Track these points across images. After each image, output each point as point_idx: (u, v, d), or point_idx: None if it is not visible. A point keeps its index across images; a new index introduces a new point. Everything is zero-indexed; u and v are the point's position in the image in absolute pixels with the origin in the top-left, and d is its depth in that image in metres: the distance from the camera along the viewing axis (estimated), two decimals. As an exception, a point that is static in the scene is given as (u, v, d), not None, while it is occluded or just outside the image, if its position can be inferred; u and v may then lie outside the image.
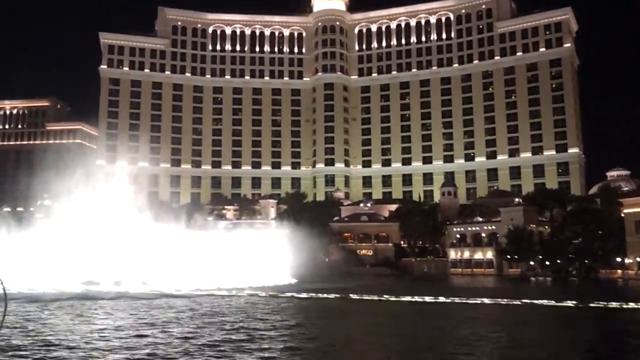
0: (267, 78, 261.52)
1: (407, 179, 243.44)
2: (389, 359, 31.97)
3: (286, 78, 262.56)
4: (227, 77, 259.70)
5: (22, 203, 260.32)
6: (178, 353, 31.48)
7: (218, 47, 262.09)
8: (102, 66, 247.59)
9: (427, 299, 71.10)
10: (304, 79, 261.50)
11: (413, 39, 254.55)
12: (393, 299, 73.18)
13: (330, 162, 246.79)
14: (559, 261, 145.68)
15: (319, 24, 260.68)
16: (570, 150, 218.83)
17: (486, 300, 68.23)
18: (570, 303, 63.81)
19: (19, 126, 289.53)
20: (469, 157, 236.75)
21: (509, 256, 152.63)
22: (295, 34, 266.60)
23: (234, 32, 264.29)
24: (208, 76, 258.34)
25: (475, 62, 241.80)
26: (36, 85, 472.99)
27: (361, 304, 69.25)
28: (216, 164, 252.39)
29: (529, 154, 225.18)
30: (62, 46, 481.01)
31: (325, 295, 77.70)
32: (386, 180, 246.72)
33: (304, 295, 78.68)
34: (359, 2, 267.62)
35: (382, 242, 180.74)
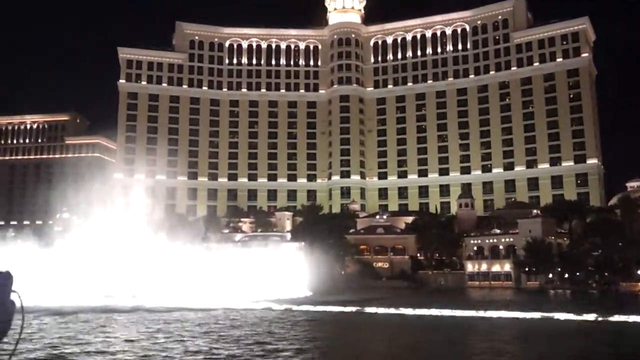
0: (283, 91, 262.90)
1: (423, 191, 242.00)
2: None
3: (302, 91, 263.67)
4: (244, 90, 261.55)
5: (42, 216, 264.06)
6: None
7: (235, 61, 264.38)
8: (120, 80, 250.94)
9: (445, 312, 70.37)
10: (320, 91, 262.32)
11: (429, 50, 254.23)
12: (410, 312, 72.53)
13: (346, 174, 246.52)
14: (578, 273, 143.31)
15: (335, 36, 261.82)
16: (589, 161, 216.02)
17: (504, 314, 67.31)
18: (590, 317, 62.75)
19: (39, 140, 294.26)
20: (486, 169, 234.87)
21: (527, 269, 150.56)
22: (311, 47, 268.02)
23: (250, 46, 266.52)
24: (225, 89, 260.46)
25: (492, 72, 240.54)
26: (56, 99, 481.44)
27: (377, 317, 68.74)
28: (232, 177, 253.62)
29: (547, 165, 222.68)
30: (82, 61, 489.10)
31: (340, 309, 77.33)
32: (402, 192, 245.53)
33: (319, 308, 78.36)
34: (374, 15, 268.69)
35: (398, 255, 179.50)
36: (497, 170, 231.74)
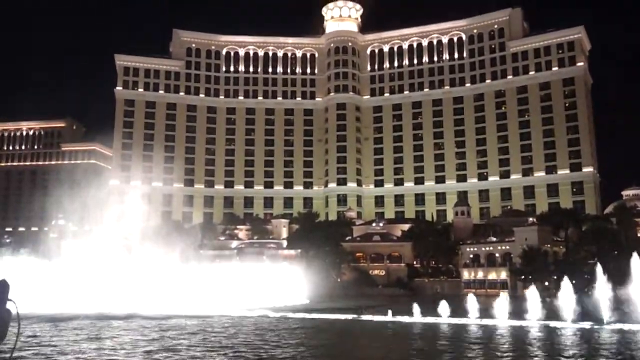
0: (280, 98, 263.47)
1: (419, 199, 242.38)
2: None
3: (299, 98, 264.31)
4: (241, 97, 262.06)
5: (37, 223, 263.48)
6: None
7: (232, 69, 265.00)
8: (117, 87, 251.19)
9: (442, 319, 70.40)
10: (317, 99, 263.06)
11: (425, 59, 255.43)
12: (405, 319, 72.52)
13: (342, 182, 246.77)
14: (574, 282, 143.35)
15: (332, 45, 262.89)
16: (585, 169, 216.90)
17: (499, 321, 67.40)
18: (587, 324, 62.89)
19: (35, 147, 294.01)
20: (482, 177, 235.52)
21: (523, 276, 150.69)
22: (308, 55, 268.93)
23: (247, 54, 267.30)
24: (222, 97, 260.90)
25: (488, 81, 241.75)
26: (52, 106, 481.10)
27: (372, 324, 68.73)
28: (229, 184, 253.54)
29: (542, 173, 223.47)
30: (79, 68, 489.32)
31: (337, 316, 77.25)
32: (399, 199, 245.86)
33: (315, 315, 78.26)
34: (371, 23, 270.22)
35: (394, 262, 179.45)
36: (493, 178, 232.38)
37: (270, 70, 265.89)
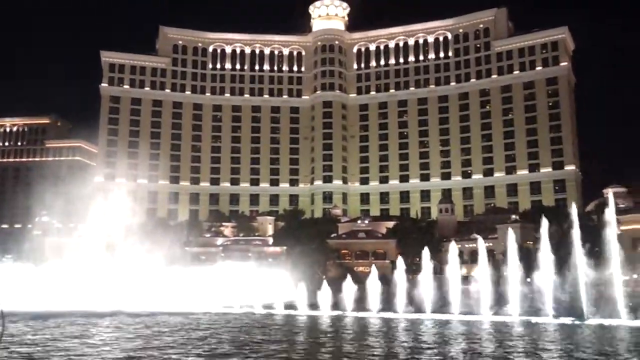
0: (266, 96, 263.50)
1: (404, 196, 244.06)
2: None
3: (285, 96, 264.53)
4: (227, 95, 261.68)
5: (21, 220, 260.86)
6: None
7: (218, 66, 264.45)
8: (103, 84, 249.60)
9: (424, 315, 71.61)
10: (303, 97, 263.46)
11: (411, 57, 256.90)
12: (387, 315, 73.65)
13: (328, 179, 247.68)
14: (555, 278, 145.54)
15: (318, 43, 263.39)
16: (567, 168, 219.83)
17: (481, 317, 68.68)
18: (568, 320, 64.39)
19: (19, 143, 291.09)
20: (466, 175, 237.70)
21: (506, 273, 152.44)
22: (295, 53, 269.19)
23: (234, 51, 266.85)
24: (208, 94, 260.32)
25: (473, 80, 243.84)
26: (37, 102, 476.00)
27: (356, 321, 69.59)
28: (215, 181, 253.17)
29: (525, 171, 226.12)
30: (64, 64, 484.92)
31: (321, 313, 78.14)
32: (384, 197, 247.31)
33: (300, 312, 79.08)
34: (358, 22, 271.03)
35: (379, 259, 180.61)
36: (477, 176, 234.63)
37: (256, 67, 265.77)
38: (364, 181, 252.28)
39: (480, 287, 79.96)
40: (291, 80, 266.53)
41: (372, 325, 61.09)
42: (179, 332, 50.75)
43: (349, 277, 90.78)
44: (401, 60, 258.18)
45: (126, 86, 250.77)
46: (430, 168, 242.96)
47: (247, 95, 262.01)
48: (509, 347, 42.35)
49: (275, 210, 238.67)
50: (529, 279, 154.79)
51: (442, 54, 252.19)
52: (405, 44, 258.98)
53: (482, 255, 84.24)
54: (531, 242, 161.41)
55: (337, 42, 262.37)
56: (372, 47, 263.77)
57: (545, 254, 75.79)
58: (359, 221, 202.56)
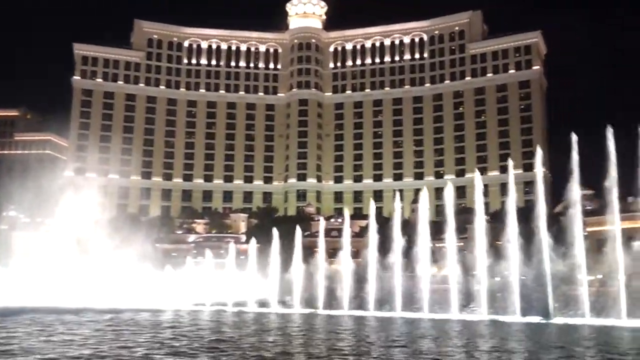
0: (242, 93, 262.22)
1: (378, 195, 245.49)
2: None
3: (261, 93, 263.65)
4: (202, 90, 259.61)
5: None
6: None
7: (193, 61, 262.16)
8: (75, 77, 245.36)
9: (395, 314, 72.24)
10: (279, 94, 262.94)
11: (387, 58, 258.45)
12: (357, 313, 74.11)
13: (302, 177, 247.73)
14: (523, 277, 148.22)
15: (295, 40, 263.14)
16: (537, 169, 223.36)
17: (450, 315, 69.57)
18: (535, 319, 65.67)
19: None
20: (439, 175, 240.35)
21: (475, 272, 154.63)
22: (271, 50, 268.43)
23: (210, 47, 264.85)
24: (182, 89, 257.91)
25: (447, 82, 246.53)
26: (6, 94, 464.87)
27: (327, 319, 69.84)
28: (187, 177, 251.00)
29: (497, 173, 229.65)
30: (35, 55, 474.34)
31: (291, 311, 78.22)
32: (357, 195, 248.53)
33: (272, 310, 79.03)
34: (335, 21, 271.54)
35: (352, 258, 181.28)
36: (449, 177, 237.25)
37: (232, 64, 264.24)
38: (338, 180, 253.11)
39: (450, 286, 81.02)
40: (267, 77, 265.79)
41: (336, 324, 61.31)
42: (147, 330, 50.27)
43: (321, 274, 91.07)
44: (377, 60, 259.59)
45: (99, 79, 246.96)
46: (403, 168, 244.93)
47: (222, 92, 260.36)
48: (455, 345, 42.88)
49: (248, 207, 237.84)
50: (498, 279, 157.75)
51: (417, 55, 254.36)
52: (382, 44, 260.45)
53: (452, 255, 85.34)
54: (500, 242, 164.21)
55: (313, 41, 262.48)
56: (349, 46, 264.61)
57: (513, 254, 77.12)
58: (332, 219, 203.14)
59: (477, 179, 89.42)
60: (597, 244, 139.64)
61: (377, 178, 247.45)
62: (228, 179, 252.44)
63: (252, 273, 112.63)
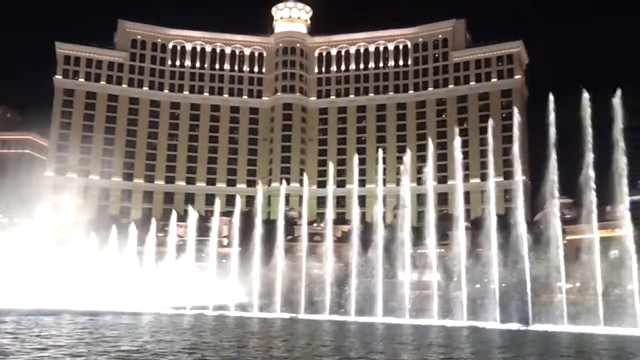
0: (226, 96, 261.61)
1: (360, 201, 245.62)
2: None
3: (245, 96, 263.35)
4: (186, 92, 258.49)
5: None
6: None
7: (177, 63, 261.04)
8: (56, 76, 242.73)
9: (376, 319, 72.53)
10: (263, 98, 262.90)
11: (371, 64, 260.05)
12: (338, 318, 74.23)
13: (285, 181, 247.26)
14: (503, 284, 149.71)
15: (280, 44, 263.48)
16: (517, 178, 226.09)
17: (429, 321, 70.07)
18: (514, 325, 66.34)
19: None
20: (421, 181, 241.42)
21: (456, 278, 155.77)
22: (256, 54, 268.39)
23: (194, 49, 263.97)
24: (166, 91, 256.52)
25: (430, 89, 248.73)
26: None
27: (309, 323, 69.90)
28: (170, 180, 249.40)
29: (478, 180, 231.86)
30: (16, 54, 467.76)
31: (275, 315, 78.10)
32: (340, 201, 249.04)
33: (253, 314, 78.80)
34: (320, 26, 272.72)
35: (334, 263, 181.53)
36: (432, 183, 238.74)
37: (217, 66, 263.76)
38: (322, 184, 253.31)
39: (431, 292, 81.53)
40: (251, 80, 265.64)
41: (316, 330, 61.37)
42: (127, 334, 49.87)
43: (302, 279, 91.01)
44: (362, 66, 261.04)
45: (81, 79, 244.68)
46: (386, 173, 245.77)
47: (206, 94, 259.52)
48: (427, 352, 43.27)
49: (231, 210, 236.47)
50: (478, 285, 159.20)
51: (401, 62, 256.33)
52: (366, 50, 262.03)
53: (434, 261, 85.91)
54: (481, 249, 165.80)
55: (298, 45, 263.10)
56: (334, 51, 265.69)
57: (493, 261, 77.92)
58: (315, 224, 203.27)
59: (458, 186, 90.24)
60: (575, 252, 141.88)
61: (361, 183, 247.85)
62: (211, 182, 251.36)
63: (234, 276, 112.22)
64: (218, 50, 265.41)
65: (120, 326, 54.92)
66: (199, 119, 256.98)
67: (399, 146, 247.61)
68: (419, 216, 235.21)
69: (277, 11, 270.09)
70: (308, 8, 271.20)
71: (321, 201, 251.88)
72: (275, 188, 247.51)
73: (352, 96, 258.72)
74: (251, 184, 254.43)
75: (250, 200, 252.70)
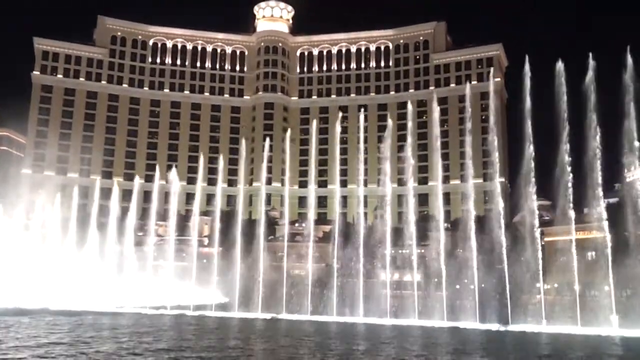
0: (207, 94, 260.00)
1: (342, 201, 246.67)
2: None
3: (226, 95, 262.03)
4: (166, 90, 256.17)
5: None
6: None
7: (158, 60, 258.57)
8: (34, 72, 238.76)
9: (357, 319, 72.91)
10: (245, 97, 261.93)
11: (353, 64, 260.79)
12: (319, 319, 74.53)
13: (267, 181, 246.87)
14: (483, 285, 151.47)
15: (262, 43, 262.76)
16: (497, 179, 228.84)
17: (410, 321, 70.75)
18: (493, 326, 67.37)
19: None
20: (402, 182, 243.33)
21: (436, 279, 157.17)
22: (238, 52, 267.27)
23: (175, 46, 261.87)
24: (146, 88, 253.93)
25: (411, 91, 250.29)
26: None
27: (289, 324, 70.08)
28: (149, 178, 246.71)
29: (458, 181, 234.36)
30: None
31: (256, 315, 78.06)
32: (322, 201, 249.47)
33: (234, 314, 78.67)
34: (302, 26, 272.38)
35: (315, 263, 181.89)
36: (412, 184, 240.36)
37: (198, 64, 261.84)
38: (303, 184, 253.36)
39: (411, 292, 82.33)
40: (233, 79, 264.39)
41: (295, 330, 61.61)
42: (106, 334, 49.54)
43: (285, 279, 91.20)
44: (343, 66, 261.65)
45: (60, 75, 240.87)
46: (368, 174, 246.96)
47: (187, 92, 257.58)
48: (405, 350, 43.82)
49: (211, 210, 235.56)
50: (457, 286, 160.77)
51: (382, 63, 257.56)
52: (348, 50, 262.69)
53: (414, 262, 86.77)
54: (460, 250, 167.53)
55: (280, 45, 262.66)
56: (315, 51, 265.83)
57: (472, 262, 79.00)
58: (296, 224, 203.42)
59: (438, 187, 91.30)
60: (553, 254, 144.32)
61: (342, 184, 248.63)
62: (191, 181, 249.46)
63: (214, 276, 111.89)
64: (199, 48, 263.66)
65: (100, 326, 54.48)
66: (180, 117, 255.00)
67: (379, 147, 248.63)
68: (400, 216, 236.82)
69: (259, 10, 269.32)
70: (290, 7, 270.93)
71: (302, 201, 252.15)
72: (257, 187, 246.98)
73: (333, 96, 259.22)
74: (232, 183, 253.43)
75: (231, 200, 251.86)
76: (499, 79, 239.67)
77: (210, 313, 79.17)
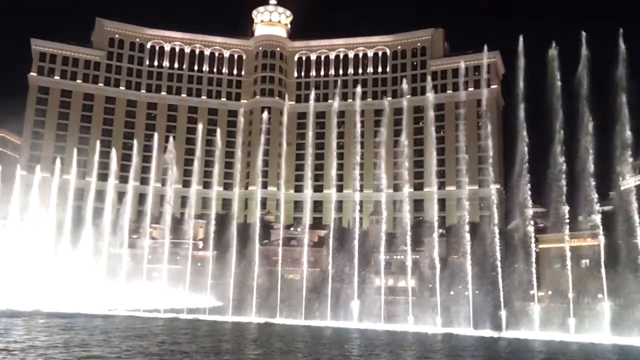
0: (204, 97, 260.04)
1: (337, 206, 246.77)
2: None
3: (224, 99, 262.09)
4: (163, 93, 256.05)
5: None
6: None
7: (155, 63, 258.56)
8: (31, 73, 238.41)
9: (351, 324, 72.80)
10: (242, 101, 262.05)
11: (350, 70, 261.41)
12: (312, 323, 74.40)
13: (263, 185, 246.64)
14: (477, 291, 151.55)
15: (260, 48, 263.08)
16: (492, 186, 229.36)
17: (404, 326, 70.70)
18: (487, 332, 67.34)
19: None
20: (398, 187, 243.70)
21: (430, 285, 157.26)
22: (235, 56, 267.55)
23: (172, 49, 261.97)
24: (143, 91, 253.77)
25: (408, 97, 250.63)
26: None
27: (285, 328, 69.94)
28: (145, 181, 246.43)
29: (453, 188, 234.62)
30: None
31: (249, 319, 77.85)
32: (317, 205, 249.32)
33: (228, 318, 78.47)
34: (300, 31, 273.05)
35: (310, 267, 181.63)
36: (408, 190, 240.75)
37: (195, 68, 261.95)
38: (299, 189, 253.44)
39: (406, 297, 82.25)
40: (230, 83, 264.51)
41: (289, 334, 61.53)
42: (99, 337, 49.33)
43: (279, 284, 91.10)
44: (341, 71, 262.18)
45: (57, 77, 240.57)
46: (364, 179, 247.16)
47: (184, 95, 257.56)
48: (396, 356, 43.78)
49: (206, 213, 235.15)
50: (452, 292, 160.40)
51: (380, 69, 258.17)
52: (346, 56, 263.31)
53: (409, 267, 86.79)
54: (456, 256, 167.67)
55: (278, 49, 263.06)
56: (313, 56, 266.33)
57: (468, 268, 79.10)
58: (291, 228, 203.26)
59: (433, 193, 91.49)
60: (547, 261, 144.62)
61: (338, 188, 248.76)
62: (187, 184, 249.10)
63: (208, 280, 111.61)
64: (197, 51, 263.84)
65: (92, 329, 54.24)
66: (176, 120, 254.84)
67: (376, 152, 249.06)
68: (395, 222, 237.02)
69: (257, 14, 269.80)
70: (288, 12, 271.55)
71: (298, 205, 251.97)
72: (252, 191, 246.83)
73: (330, 101, 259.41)
74: (228, 187, 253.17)
75: (226, 204, 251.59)
76: (495, 86, 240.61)
77: (204, 317, 78.92)
